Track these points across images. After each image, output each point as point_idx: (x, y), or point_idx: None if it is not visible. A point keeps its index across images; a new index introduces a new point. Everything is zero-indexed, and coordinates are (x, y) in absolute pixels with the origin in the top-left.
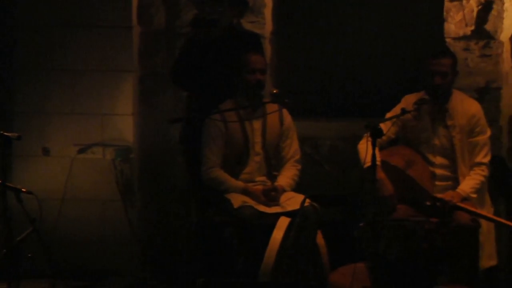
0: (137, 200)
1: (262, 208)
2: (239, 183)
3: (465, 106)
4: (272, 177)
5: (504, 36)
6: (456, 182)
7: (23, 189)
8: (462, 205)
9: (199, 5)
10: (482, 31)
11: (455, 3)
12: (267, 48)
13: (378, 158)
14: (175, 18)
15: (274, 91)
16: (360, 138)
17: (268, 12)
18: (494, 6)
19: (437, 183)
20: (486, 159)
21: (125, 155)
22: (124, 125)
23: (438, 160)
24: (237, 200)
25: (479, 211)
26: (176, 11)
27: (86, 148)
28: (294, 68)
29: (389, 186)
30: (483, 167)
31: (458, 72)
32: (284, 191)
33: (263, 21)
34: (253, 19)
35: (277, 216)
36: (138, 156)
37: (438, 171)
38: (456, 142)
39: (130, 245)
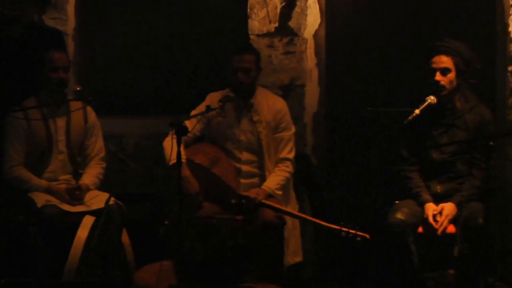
0: None
1: (66, 207)
2: (43, 182)
3: (271, 102)
4: (77, 176)
5: (307, 33)
6: (262, 179)
7: None
8: (267, 202)
9: None
10: (286, 28)
11: None
12: (70, 44)
13: (183, 156)
14: None
15: (78, 88)
16: (165, 135)
17: (70, 8)
18: (298, 3)
19: (242, 180)
20: (291, 155)
21: None
22: None
23: (245, 156)
24: (40, 199)
25: (284, 208)
26: None
27: None
28: (98, 65)
29: (194, 183)
30: (288, 163)
31: (262, 68)
32: (88, 189)
33: (66, 18)
34: (56, 15)
35: (81, 215)
36: None
37: (244, 168)
38: (263, 137)
39: None
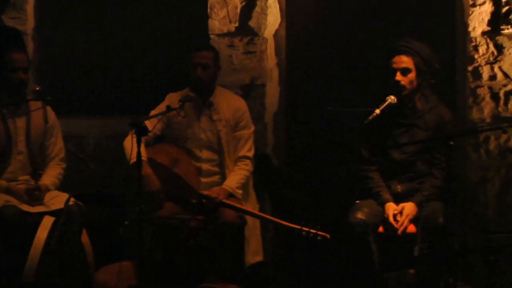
0: None
1: (26, 208)
2: (2, 182)
3: (230, 101)
4: (37, 176)
5: (268, 33)
6: (222, 177)
7: None
8: (228, 201)
9: None
10: (246, 28)
11: None
12: (30, 44)
13: (144, 155)
14: None
15: (37, 88)
16: (125, 135)
17: (30, 8)
18: (258, 2)
19: (203, 179)
20: (250, 153)
21: None
22: None
23: (205, 154)
24: None
25: (245, 207)
26: None
27: None
28: (57, 65)
29: (156, 181)
30: (247, 161)
31: (221, 67)
32: (48, 190)
33: (25, 17)
34: (15, 15)
35: (41, 215)
36: None
37: (205, 166)
38: (222, 136)
39: None
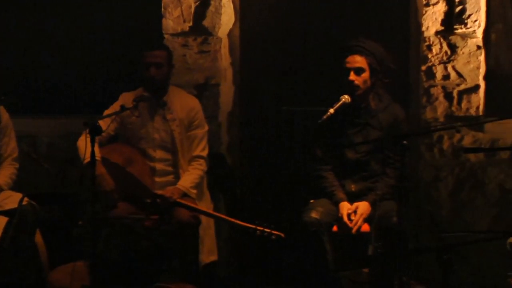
0: None
1: None
2: None
3: (184, 100)
4: None
5: (222, 32)
6: (176, 177)
7: None
8: (182, 201)
9: None
10: (200, 27)
11: None
12: None
13: (98, 155)
14: None
15: None
16: (78, 135)
17: None
18: (212, 2)
19: (157, 179)
20: (204, 153)
21: None
22: None
23: (159, 154)
24: None
25: (199, 207)
26: None
27: None
28: (10, 64)
29: (110, 181)
30: (201, 161)
31: (174, 66)
32: (1, 190)
33: None
34: None
35: None
36: None
37: (159, 166)
38: (176, 135)
39: None
